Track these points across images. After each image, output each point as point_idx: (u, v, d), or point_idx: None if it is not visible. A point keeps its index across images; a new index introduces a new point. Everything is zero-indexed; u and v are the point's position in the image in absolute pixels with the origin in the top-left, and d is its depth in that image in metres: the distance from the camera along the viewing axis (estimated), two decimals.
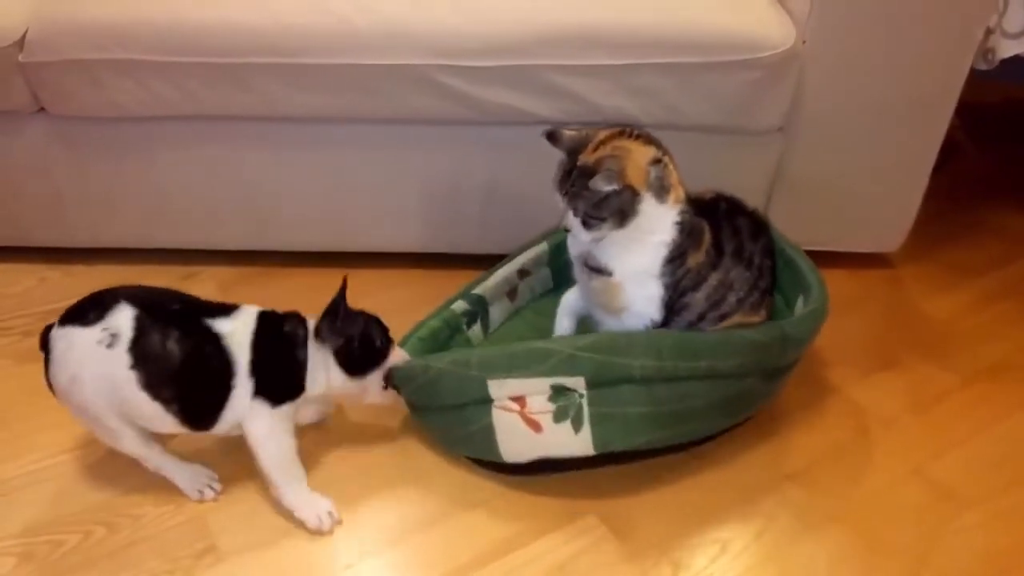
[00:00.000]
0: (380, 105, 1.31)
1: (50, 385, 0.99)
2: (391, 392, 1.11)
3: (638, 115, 1.30)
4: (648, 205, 1.02)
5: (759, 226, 1.14)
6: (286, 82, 1.29)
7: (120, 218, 1.48)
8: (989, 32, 1.37)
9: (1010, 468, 1.16)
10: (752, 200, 1.30)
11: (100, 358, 0.95)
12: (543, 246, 1.36)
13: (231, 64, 1.27)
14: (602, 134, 1.04)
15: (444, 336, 1.22)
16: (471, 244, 1.49)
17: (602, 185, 0.99)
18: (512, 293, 1.35)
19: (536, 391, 1.01)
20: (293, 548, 1.02)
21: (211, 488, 1.08)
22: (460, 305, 1.26)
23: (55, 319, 0.99)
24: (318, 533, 1.03)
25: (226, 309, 1.04)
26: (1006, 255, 1.62)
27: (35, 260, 1.51)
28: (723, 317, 1.09)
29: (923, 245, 1.57)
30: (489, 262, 1.35)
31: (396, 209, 1.46)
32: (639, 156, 1.02)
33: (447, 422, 1.10)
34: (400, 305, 1.19)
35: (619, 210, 1.01)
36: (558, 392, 1.01)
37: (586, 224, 1.03)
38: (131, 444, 1.03)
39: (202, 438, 1.07)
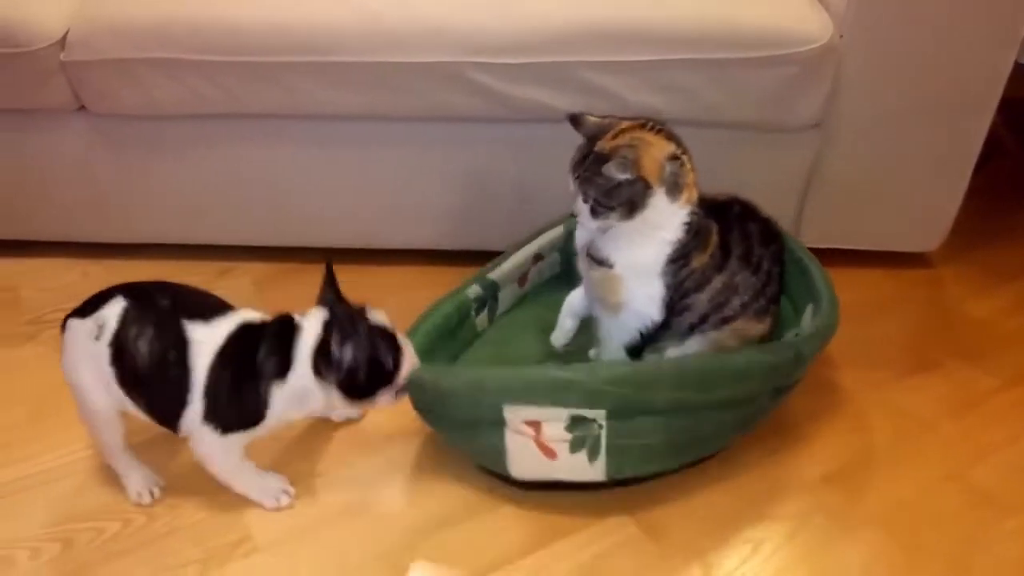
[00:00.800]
0: (411, 102, 1.32)
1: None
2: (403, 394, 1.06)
3: (670, 111, 1.28)
4: (659, 200, 1.01)
5: (771, 233, 1.11)
6: (319, 80, 1.30)
7: (158, 214, 1.51)
8: None
9: None
10: (787, 198, 1.29)
11: (91, 349, 0.97)
12: (559, 229, 1.35)
13: (267, 63, 1.29)
14: (624, 124, 1.03)
15: (453, 323, 1.20)
16: (496, 241, 1.48)
17: (615, 172, 0.98)
18: (523, 278, 1.34)
19: (553, 418, 0.99)
20: (326, 540, 1.04)
21: (151, 492, 1.07)
22: (474, 290, 1.24)
23: None
24: (277, 510, 1.05)
25: (216, 311, 0.99)
26: None
27: (78, 255, 1.54)
28: (726, 320, 1.07)
29: (963, 245, 1.53)
30: None
31: (418, 205, 1.47)
32: (657, 150, 1.01)
33: (455, 432, 1.09)
34: (423, 306, 1.18)
35: (629, 200, 1.00)
36: (576, 422, 0.99)
37: (594, 212, 1.02)
38: (107, 438, 1.04)
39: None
